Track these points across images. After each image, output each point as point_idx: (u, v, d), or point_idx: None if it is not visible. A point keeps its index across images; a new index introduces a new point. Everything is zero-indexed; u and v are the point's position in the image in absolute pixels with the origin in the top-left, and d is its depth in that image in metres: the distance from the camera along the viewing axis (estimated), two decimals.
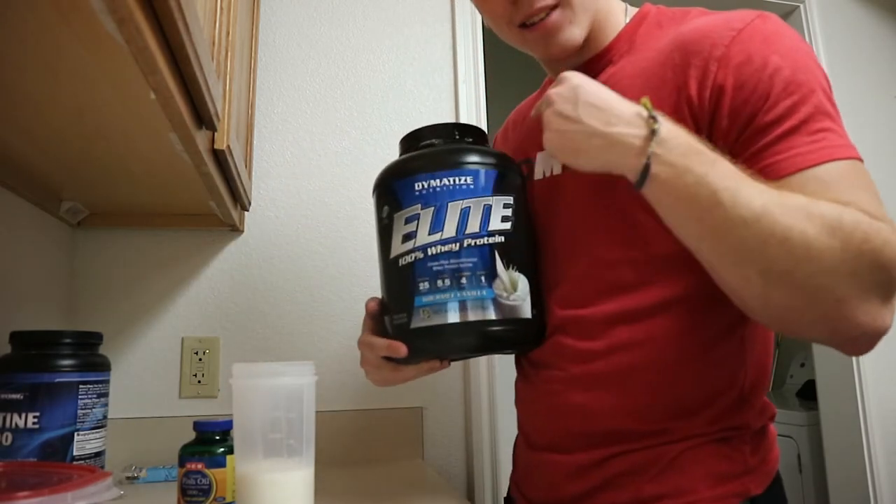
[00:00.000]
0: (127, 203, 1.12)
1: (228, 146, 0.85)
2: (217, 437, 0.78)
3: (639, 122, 0.58)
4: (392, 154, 1.39)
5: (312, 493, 0.67)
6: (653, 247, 0.66)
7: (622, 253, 0.68)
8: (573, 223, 0.73)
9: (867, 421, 1.58)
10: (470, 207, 0.70)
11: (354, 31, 1.43)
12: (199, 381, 1.22)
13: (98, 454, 0.84)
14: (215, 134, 0.83)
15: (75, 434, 0.80)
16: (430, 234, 0.70)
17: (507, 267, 0.70)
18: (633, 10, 0.78)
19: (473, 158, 0.72)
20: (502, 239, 0.70)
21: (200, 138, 0.75)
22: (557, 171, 0.76)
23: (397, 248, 0.72)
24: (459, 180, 0.70)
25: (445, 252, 0.69)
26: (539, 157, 0.79)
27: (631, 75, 0.70)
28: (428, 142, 0.77)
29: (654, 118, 0.58)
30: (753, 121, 0.60)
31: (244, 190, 1.11)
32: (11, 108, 0.66)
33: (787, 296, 0.55)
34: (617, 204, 0.68)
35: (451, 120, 1.44)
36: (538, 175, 0.79)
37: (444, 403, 1.32)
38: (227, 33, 0.85)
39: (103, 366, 0.88)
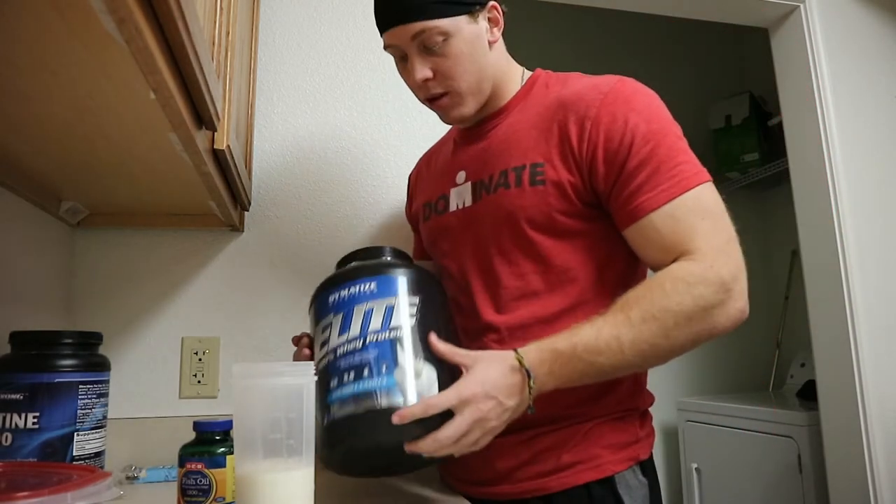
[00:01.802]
0: (127, 203, 1.12)
1: (228, 146, 0.85)
2: (217, 437, 0.78)
3: (522, 381, 0.74)
4: (391, 154, 1.39)
5: (312, 493, 0.67)
6: (553, 260, 0.84)
7: (530, 266, 0.85)
8: (487, 244, 0.89)
9: (867, 421, 1.58)
10: (373, 309, 0.76)
11: (354, 31, 1.42)
12: (199, 381, 1.22)
13: (98, 454, 0.84)
14: (215, 134, 0.83)
15: (75, 434, 0.80)
16: (339, 337, 0.76)
17: (410, 357, 0.74)
18: (528, 74, 0.96)
19: (379, 268, 0.81)
20: (406, 332, 0.75)
21: (200, 138, 0.75)
22: (469, 203, 0.92)
23: (318, 356, 0.78)
24: (364, 287, 0.77)
25: (351, 350, 0.75)
26: (452, 192, 0.96)
27: (526, 127, 0.88)
28: (352, 264, 0.85)
29: (528, 373, 0.74)
30: (624, 167, 0.79)
31: (244, 190, 1.11)
32: (11, 107, 0.66)
33: (680, 353, 0.77)
34: (519, 230, 0.85)
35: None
36: (452, 207, 0.95)
37: None
38: (227, 33, 0.85)
39: (103, 366, 0.88)
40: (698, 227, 0.77)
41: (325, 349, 0.77)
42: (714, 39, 2.81)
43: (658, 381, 2.81)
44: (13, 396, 0.78)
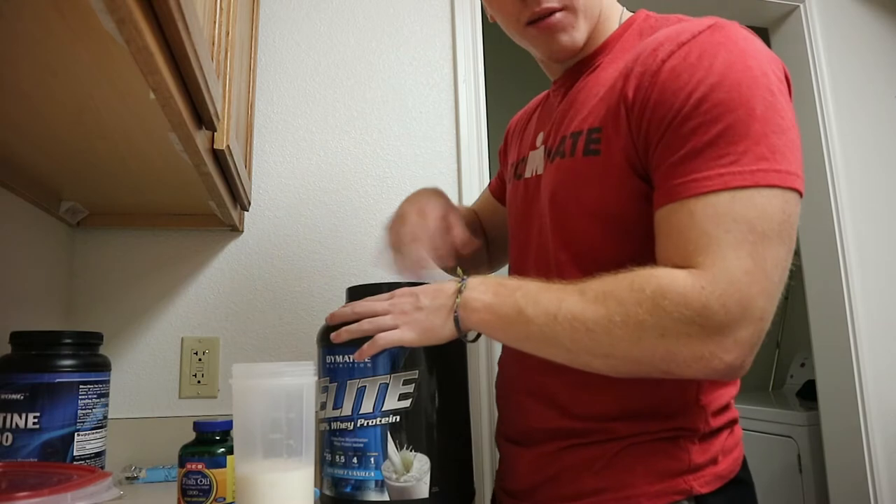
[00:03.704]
0: (127, 203, 1.12)
1: (228, 146, 0.85)
2: (217, 438, 0.78)
3: (452, 286, 0.71)
4: (391, 154, 1.39)
5: (312, 493, 0.67)
6: (595, 252, 0.69)
7: (569, 255, 0.72)
8: (541, 222, 0.77)
9: (867, 421, 1.58)
10: (366, 387, 0.73)
11: (354, 31, 1.43)
12: (199, 381, 1.22)
13: (98, 454, 0.84)
14: (215, 134, 0.83)
15: (76, 434, 0.80)
16: (333, 409, 0.74)
17: (400, 447, 0.71)
18: (627, 16, 0.79)
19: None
20: (397, 419, 0.72)
21: (200, 138, 0.75)
22: (539, 171, 0.79)
23: (318, 412, 0.76)
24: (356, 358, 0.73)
25: (342, 429, 0.73)
26: (531, 155, 0.83)
27: (602, 80, 0.73)
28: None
29: (461, 280, 0.71)
30: (663, 138, 0.62)
31: (244, 190, 1.11)
32: (11, 107, 0.66)
33: (623, 366, 0.62)
34: (568, 210, 0.72)
35: (451, 119, 1.44)
36: (527, 174, 0.82)
37: None
38: (227, 33, 0.85)
39: (103, 366, 0.88)
40: (715, 238, 0.57)
41: (323, 412, 0.76)
42: None
43: None
44: (14, 396, 0.78)
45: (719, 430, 0.71)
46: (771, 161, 0.58)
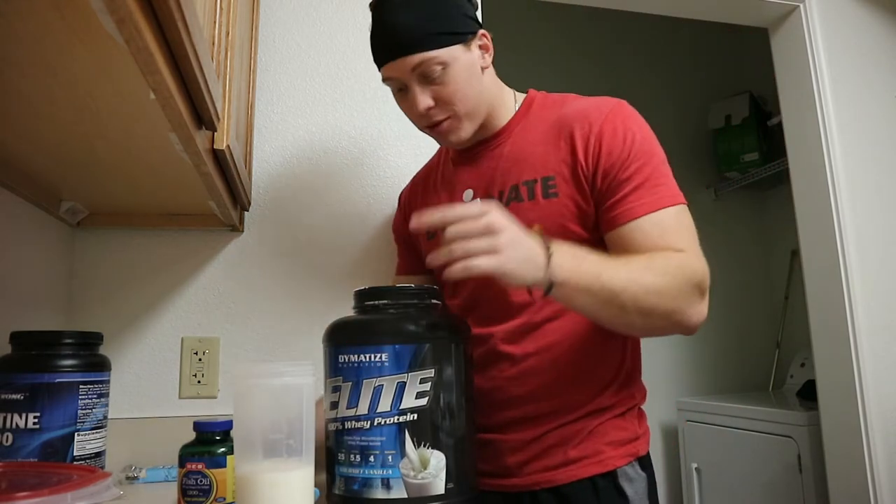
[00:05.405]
0: (127, 203, 1.12)
1: (228, 146, 0.85)
2: (217, 438, 0.78)
3: (543, 248, 0.75)
4: (391, 154, 1.39)
5: (312, 494, 0.67)
6: None
7: None
8: None
9: (867, 421, 1.58)
10: (383, 385, 0.73)
11: (354, 31, 1.42)
12: (199, 381, 1.22)
13: (98, 454, 0.84)
14: (215, 134, 0.83)
15: (76, 434, 0.80)
16: (347, 409, 0.74)
17: (418, 445, 0.72)
18: (521, 97, 1.01)
19: (392, 334, 0.75)
20: (415, 417, 0.73)
21: (200, 138, 0.75)
22: None
23: (327, 412, 0.78)
24: (374, 357, 0.73)
25: (358, 428, 0.73)
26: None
27: (532, 143, 0.94)
28: (372, 303, 0.79)
29: (548, 247, 0.76)
30: (615, 176, 0.86)
31: (244, 190, 1.11)
32: (11, 107, 0.66)
33: (654, 321, 0.81)
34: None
35: None
36: None
37: None
38: (227, 33, 0.85)
39: (103, 366, 0.88)
40: (682, 234, 0.85)
41: (334, 412, 0.76)
42: (714, 39, 2.81)
43: (658, 381, 2.80)
44: (14, 396, 0.78)
45: (642, 408, 0.97)
46: (675, 188, 0.87)
